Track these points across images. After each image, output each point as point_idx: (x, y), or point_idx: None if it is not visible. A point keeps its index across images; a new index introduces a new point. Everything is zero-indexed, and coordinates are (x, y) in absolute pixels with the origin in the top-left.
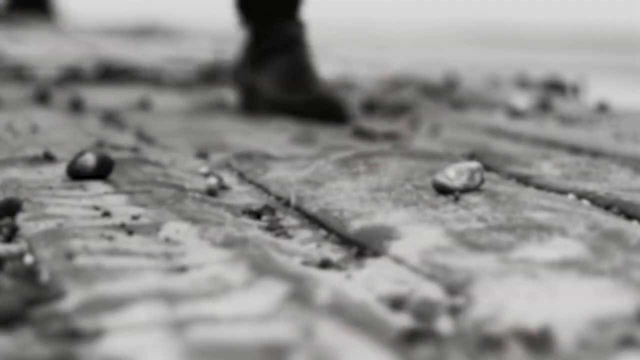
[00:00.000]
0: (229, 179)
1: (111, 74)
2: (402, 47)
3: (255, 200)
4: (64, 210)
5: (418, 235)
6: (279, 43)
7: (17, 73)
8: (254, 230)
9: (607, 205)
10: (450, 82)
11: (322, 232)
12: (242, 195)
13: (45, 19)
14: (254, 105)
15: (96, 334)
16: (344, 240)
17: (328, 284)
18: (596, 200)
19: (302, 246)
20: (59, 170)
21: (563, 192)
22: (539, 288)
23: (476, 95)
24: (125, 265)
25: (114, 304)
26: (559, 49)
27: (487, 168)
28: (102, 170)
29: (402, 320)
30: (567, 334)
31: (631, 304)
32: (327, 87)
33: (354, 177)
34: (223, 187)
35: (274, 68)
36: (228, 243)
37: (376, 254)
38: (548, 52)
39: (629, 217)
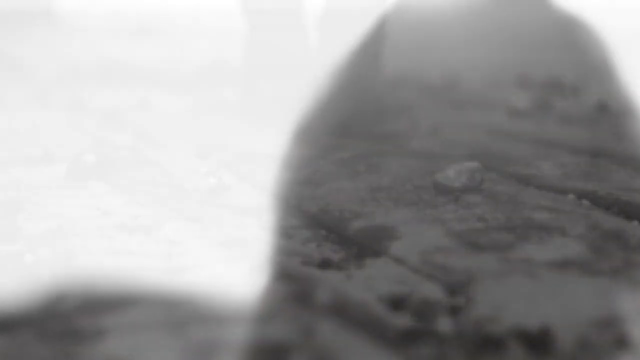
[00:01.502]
0: (229, 179)
1: (111, 73)
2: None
3: (255, 200)
4: (64, 210)
5: (418, 235)
6: None
7: (17, 73)
8: (254, 230)
9: (607, 205)
10: (450, 82)
11: (322, 232)
12: (242, 195)
13: (46, 18)
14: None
15: (96, 334)
16: (344, 240)
17: (328, 284)
18: (596, 200)
19: (302, 246)
20: (59, 170)
21: (563, 192)
22: (539, 288)
23: (476, 95)
24: (125, 265)
25: (114, 304)
26: (559, 49)
27: (487, 168)
28: (104, 170)
29: (402, 320)
30: (567, 334)
31: (631, 304)
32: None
33: (354, 177)
34: (223, 187)
35: None
36: (228, 243)
37: (376, 254)
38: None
39: (629, 217)
